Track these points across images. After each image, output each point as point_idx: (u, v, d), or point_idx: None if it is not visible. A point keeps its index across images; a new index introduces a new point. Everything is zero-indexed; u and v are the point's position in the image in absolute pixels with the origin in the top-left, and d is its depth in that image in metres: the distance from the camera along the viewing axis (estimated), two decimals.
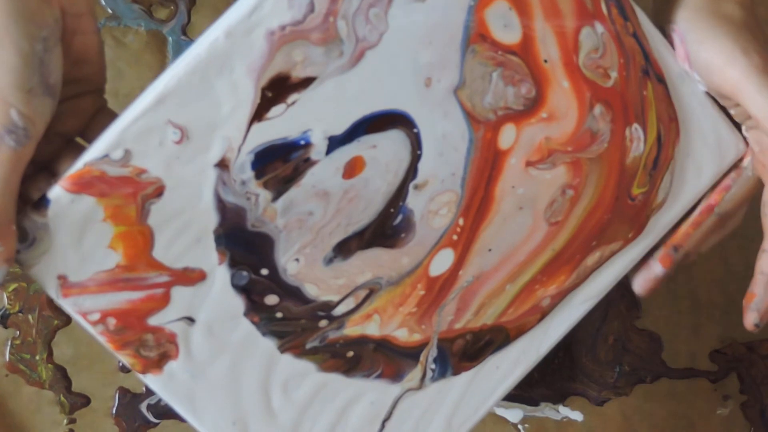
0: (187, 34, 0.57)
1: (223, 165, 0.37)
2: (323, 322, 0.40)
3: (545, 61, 0.40)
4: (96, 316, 0.38)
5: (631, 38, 0.41)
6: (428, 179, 0.40)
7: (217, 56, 0.36)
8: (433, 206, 0.40)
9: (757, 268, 0.42)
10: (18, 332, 0.59)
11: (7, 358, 0.59)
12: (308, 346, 0.40)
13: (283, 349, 0.40)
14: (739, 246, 0.60)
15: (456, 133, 0.39)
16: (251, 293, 0.39)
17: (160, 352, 0.39)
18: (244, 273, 0.39)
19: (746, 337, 0.61)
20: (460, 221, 0.41)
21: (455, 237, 0.41)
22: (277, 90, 0.37)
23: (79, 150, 0.39)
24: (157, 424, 0.59)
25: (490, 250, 0.41)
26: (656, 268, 0.44)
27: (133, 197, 0.37)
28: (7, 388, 0.59)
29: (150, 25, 0.57)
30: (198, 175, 0.37)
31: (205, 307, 0.39)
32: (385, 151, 0.39)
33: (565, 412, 0.61)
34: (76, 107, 0.40)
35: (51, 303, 0.59)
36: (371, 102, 0.38)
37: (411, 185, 0.40)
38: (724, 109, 0.43)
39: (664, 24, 0.43)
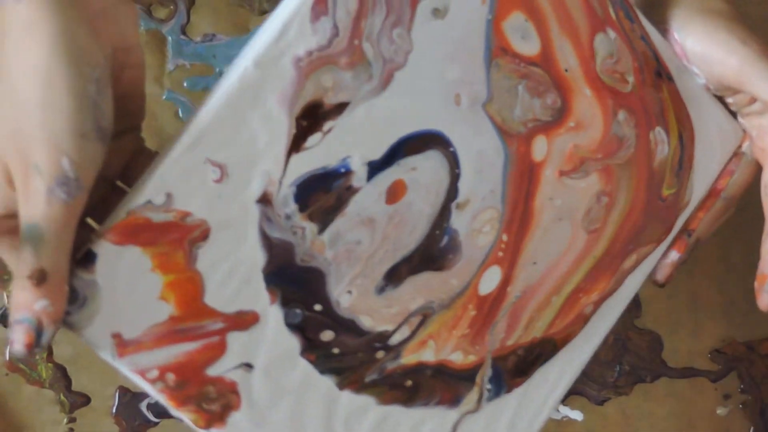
0: (186, 34, 0.57)
1: (265, 200, 0.36)
2: (380, 354, 0.39)
3: (566, 70, 0.40)
4: (155, 374, 0.35)
5: (640, 41, 0.41)
6: (469, 198, 0.39)
7: (248, 88, 0.35)
8: (476, 224, 0.39)
9: (764, 250, 0.43)
10: None
11: (7, 358, 0.59)
12: (367, 379, 0.39)
13: (342, 385, 0.39)
14: (739, 245, 0.60)
15: (491, 149, 0.39)
16: (306, 331, 0.38)
17: (223, 403, 0.37)
18: (298, 310, 0.37)
19: (746, 337, 0.61)
20: (504, 237, 0.40)
21: (501, 253, 0.40)
22: (312, 118, 0.36)
23: (121, 195, 0.36)
24: (157, 423, 0.59)
25: (534, 263, 0.41)
26: (672, 255, 0.45)
27: (180, 243, 0.35)
28: (7, 388, 0.59)
29: (149, 25, 0.57)
30: (242, 213, 0.36)
31: (262, 350, 0.37)
32: (425, 173, 0.38)
33: (565, 411, 0.61)
34: (118, 147, 0.38)
35: None
36: (406, 123, 0.37)
37: (453, 205, 0.39)
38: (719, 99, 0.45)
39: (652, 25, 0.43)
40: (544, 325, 0.42)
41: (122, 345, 0.35)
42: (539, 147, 0.40)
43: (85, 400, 0.59)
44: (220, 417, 0.37)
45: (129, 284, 0.34)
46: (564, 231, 0.41)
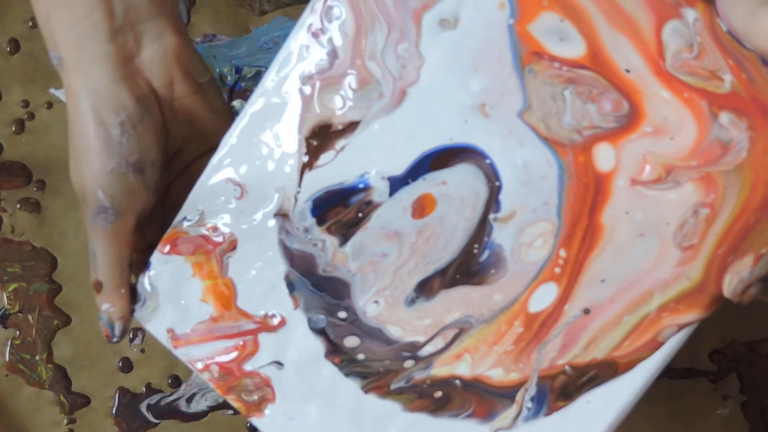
0: None
1: (282, 214, 0.39)
2: (408, 363, 0.39)
3: (627, 71, 0.36)
4: (201, 364, 0.40)
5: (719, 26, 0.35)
6: (515, 210, 0.37)
7: (257, 115, 0.38)
8: (525, 239, 0.37)
9: None
10: (18, 332, 0.59)
11: (7, 358, 0.59)
12: (393, 386, 0.39)
13: (366, 389, 0.40)
14: None
15: (539, 160, 0.36)
16: (330, 335, 0.39)
17: (260, 396, 0.40)
18: (321, 316, 0.39)
19: (746, 337, 0.61)
20: (562, 252, 0.37)
21: (558, 270, 0.37)
22: (322, 138, 0.38)
23: None
24: (157, 424, 0.59)
25: (602, 281, 0.37)
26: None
27: (212, 253, 0.40)
28: (7, 388, 0.59)
29: None
30: (262, 226, 0.39)
31: (290, 350, 0.40)
32: (458, 186, 0.37)
33: None
34: (197, 171, 0.40)
35: (51, 303, 0.59)
36: (428, 138, 0.37)
37: (491, 218, 0.37)
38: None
39: None
40: (609, 346, 0.38)
41: (175, 338, 0.41)
42: (604, 156, 0.36)
43: (85, 401, 0.59)
44: (258, 407, 0.41)
45: (176, 287, 0.40)
46: (647, 247, 0.36)
